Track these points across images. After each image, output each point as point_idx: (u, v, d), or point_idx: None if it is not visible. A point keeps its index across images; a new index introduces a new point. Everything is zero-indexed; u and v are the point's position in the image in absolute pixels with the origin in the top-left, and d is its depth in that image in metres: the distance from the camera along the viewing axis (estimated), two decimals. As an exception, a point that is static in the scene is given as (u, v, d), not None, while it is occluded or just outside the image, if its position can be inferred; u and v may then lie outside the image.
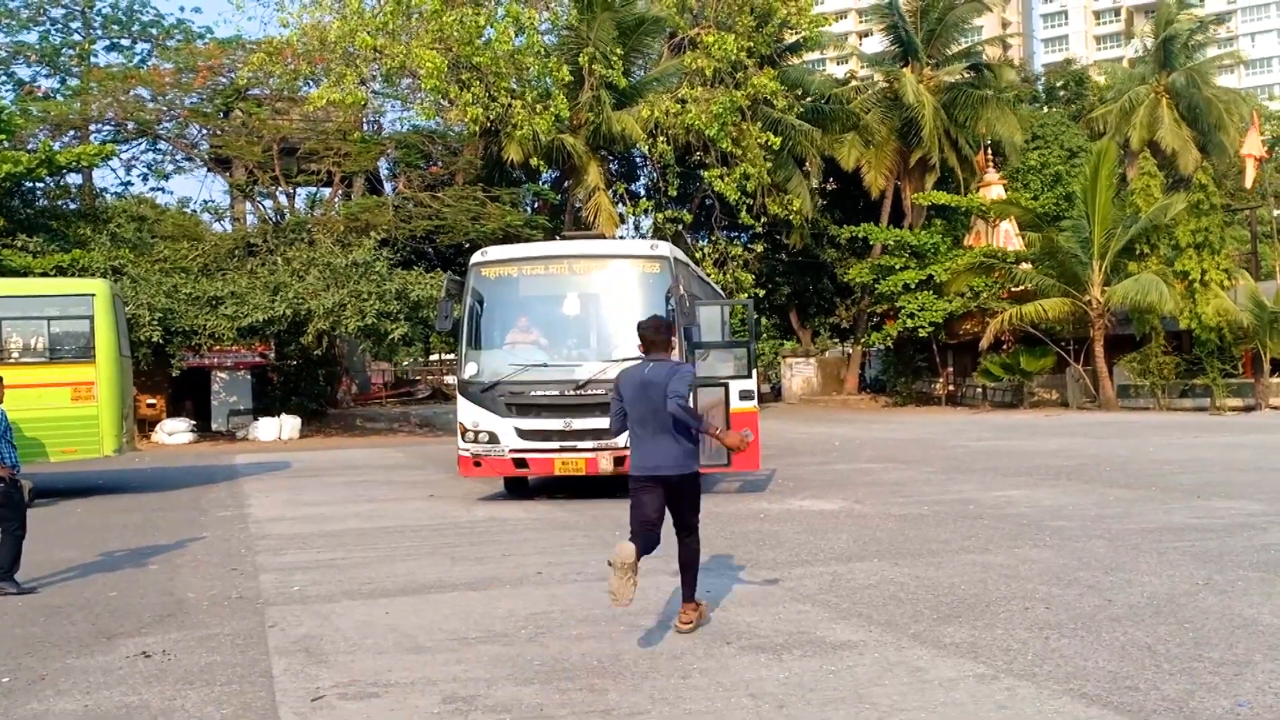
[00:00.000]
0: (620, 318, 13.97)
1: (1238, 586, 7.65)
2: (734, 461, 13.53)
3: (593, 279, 14.32)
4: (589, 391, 13.35)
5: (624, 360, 12.60)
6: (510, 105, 33.72)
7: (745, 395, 13.91)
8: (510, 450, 13.60)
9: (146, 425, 29.51)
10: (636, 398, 6.78)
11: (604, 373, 13.34)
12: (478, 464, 13.88)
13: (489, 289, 14.17)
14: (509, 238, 32.41)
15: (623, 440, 12.37)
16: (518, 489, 14.98)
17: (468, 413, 13.90)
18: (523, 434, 13.55)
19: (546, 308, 14.34)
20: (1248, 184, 41.82)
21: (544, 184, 41.54)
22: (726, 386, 13.76)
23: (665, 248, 14.31)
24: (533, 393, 13.51)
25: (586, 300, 14.26)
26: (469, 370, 14.04)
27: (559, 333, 14.33)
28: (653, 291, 13.78)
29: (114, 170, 41.69)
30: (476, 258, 14.53)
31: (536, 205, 41.73)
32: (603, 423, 13.15)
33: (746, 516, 12.16)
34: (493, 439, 13.65)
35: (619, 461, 13.29)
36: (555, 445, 13.47)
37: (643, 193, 42.24)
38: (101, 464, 18.38)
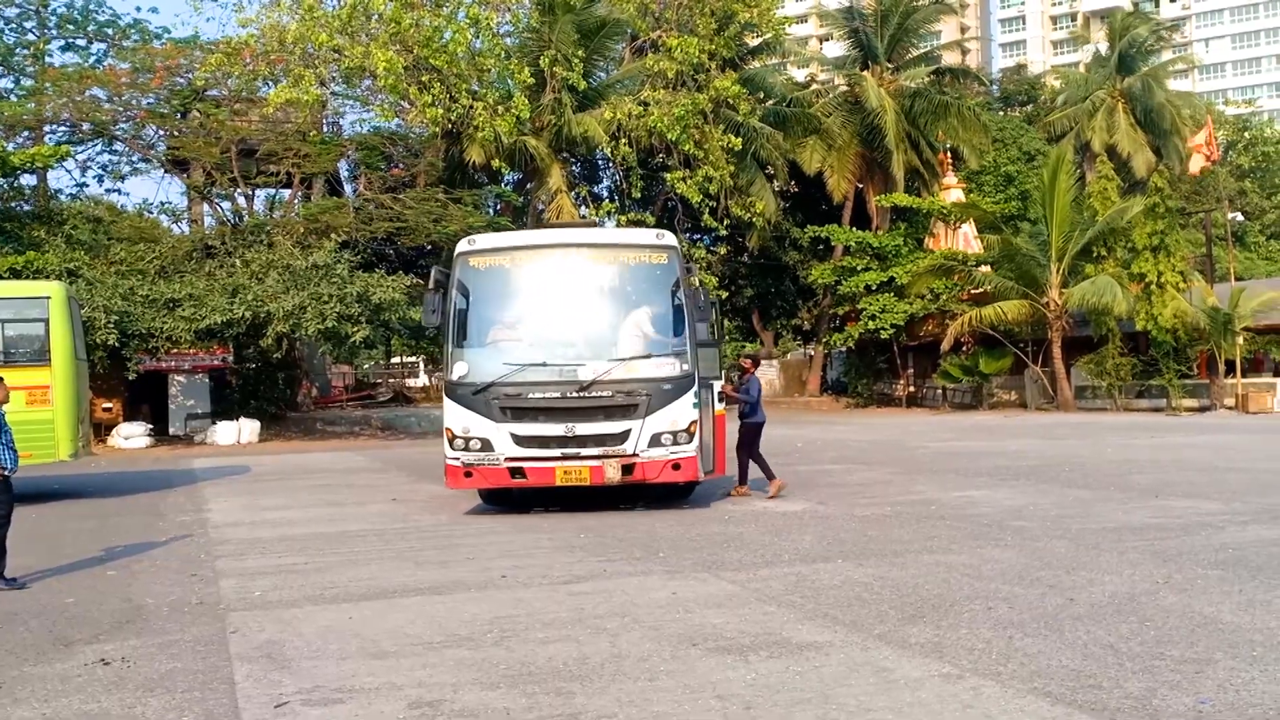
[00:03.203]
0: (626, 313, 12.95)
1: (1197, 585, 7.74)
2: (716, 468, 13.49)
3: (595, 270, 13.11)
4: (593, 393, 12.20)
5: (630, 359, 12.39)
6: (471, 107, 33.60)
7: (721, 397, 13.65)
8: (506, 459, 12.25)
9: (103, 429, 29.11)
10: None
11: (609, 373, 12.28)
12: (468, 474, 12.46)
13: (478, 281, 12.84)
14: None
15: (631, 447, 12.17)
16: (500, 501, 13.52)
17: (457, 418, 12.42)
18: (519, 441, 12.23)
19: (545, 301, 13.00)
20: (1191, 170, 42.38)
21: (506, 186, 41.39)
22: (711, 387, 13.25)
23: (671, 237, 13.29)
24: (530, 395, 12.24)
25: (589, 294, 13.07)
26: (458, 371, 12.60)
27: (558, 329, 13.00)
28: (659, 284, 12.76)
29: (69, 171, 41.05)
30: (463, 246, 13.14)
31: (499, 207, 41.58)
32: (609, 428, 12.19)
33: (710, 518, 12.16)
34: (485, 446, 12.25)
35: (627, 470, 12.28)
36: (556, 453, 12.24)
37: (605, 195, 42.21)
38: (57, 469, 18.09)
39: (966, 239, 41.99)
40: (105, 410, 30.30)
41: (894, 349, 43.28)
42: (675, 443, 12.29)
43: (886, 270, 40.50)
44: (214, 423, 31.35)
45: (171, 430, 32.01)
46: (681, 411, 12.31)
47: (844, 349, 46.11)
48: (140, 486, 18.65)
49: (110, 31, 42.18)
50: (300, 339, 32.45)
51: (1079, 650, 6.10)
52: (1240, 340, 32.85)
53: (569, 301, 13.04)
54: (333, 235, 31.56)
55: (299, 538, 11.67)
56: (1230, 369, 33.47)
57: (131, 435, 29.41)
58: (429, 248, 36.56)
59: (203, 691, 5.89)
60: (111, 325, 26.82)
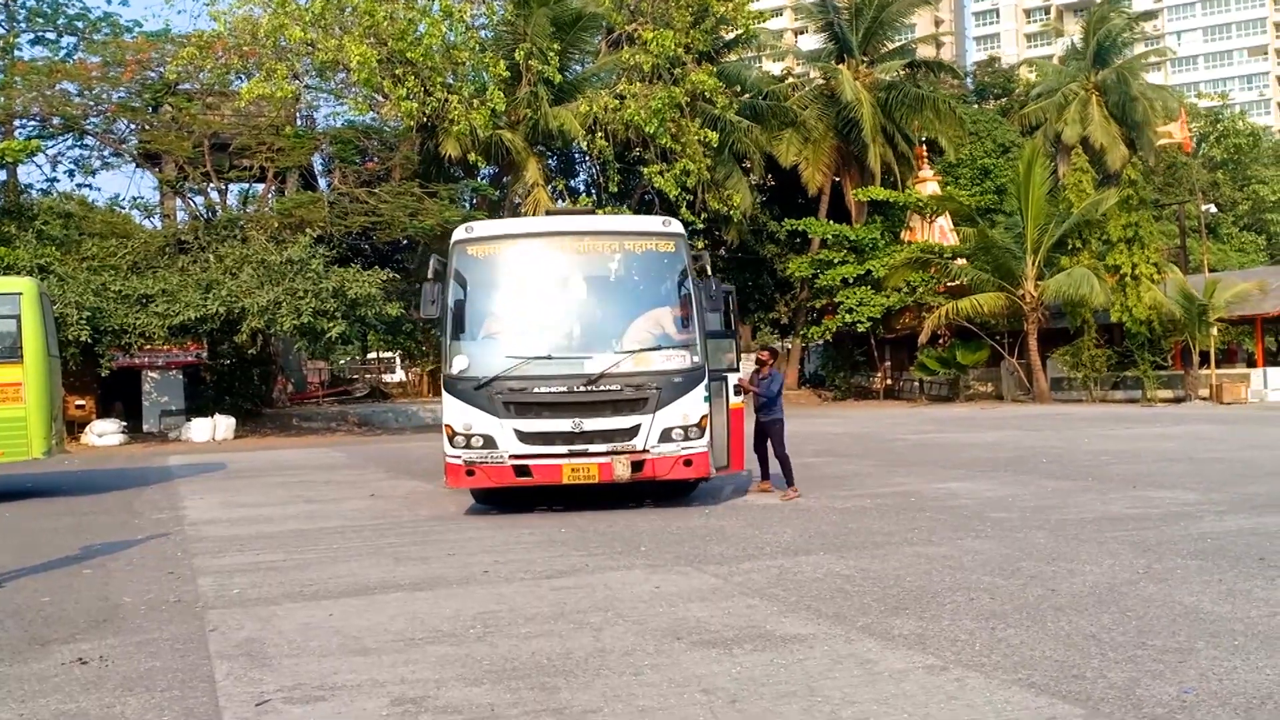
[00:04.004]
0: (634, 303, 12.60)
1: (1177, 574, 7.77)
2: (730, 463, 13.11)
3: (601, 259, 12.60)
4: (601, 387, 11.74)
5: (638, 351, 11.98)
6: (446, 100, 33.49)
7: (737, 390, 13.26)
8: (510, 456, 11.74)
9: (76, 427, 28.89)
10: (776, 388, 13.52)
11: (617, 366, 11.85)
12: (470, 473, 11.90)
13: (477, 270, 12.32)
14: (447, 234, 32.15)
15: (641, 442, 11.71)
16: (494, 500, 12.92)
17: (458, 413, 11.88)
18: (524, 437, 11.75)
19: (547, 291, 12.53)
20: (1160, 141, 42.68)
21: (482, 180, 41.28)
22: (724, 379, 12.88)
23: (678, 225, 12.82)
24: (536, 389, 11.75)
25: (594, 283, 12.58)
26: (458, 365, 12.02)
27: (562, 321, 12.46)
28: (666, 273, 12.41)
29: (39, 166, 40.56)
30: (459, 234, 12.56)
31: (475, 201, 41.46)
32: (618, 422, 11.76)
33: (692, 512, 12.13)
34: (489, 443, 11.73)
35: (637, 466, 11.82)
36: (563, 449, 11.74)
37: (582, 189, 42.11)
38: (30, 467, 17.94)
39: (943, 232, 42.19)
40: (78, 407, 30.08)
41: (871, 342, 43.43)
42: (686, 438, 11.88)
43: (863, 263, 40.64)
44: (188, 419, 31.17)
45: (145, 427, 31.80)
46: (692, 405, 11.92)
47: (821, 342, 46.24)
48: (115, 484, 18.50)
49: (81, 25, 41.74)
50: (275, 335, 32.26)
51: (1062, 641, 6.11)
52: (1214, 331, 33.13)
53: (572, 291, 12.57)
54: (307, 230, 31.41)
55: (277, 534, 11.59)
56: (1204, 360, 33.74)
57: (105, 432, 29.20)
58: (405, 242, 36.45)
59: (182, 690, 5.82)
60: (84, 321, 26.62)
